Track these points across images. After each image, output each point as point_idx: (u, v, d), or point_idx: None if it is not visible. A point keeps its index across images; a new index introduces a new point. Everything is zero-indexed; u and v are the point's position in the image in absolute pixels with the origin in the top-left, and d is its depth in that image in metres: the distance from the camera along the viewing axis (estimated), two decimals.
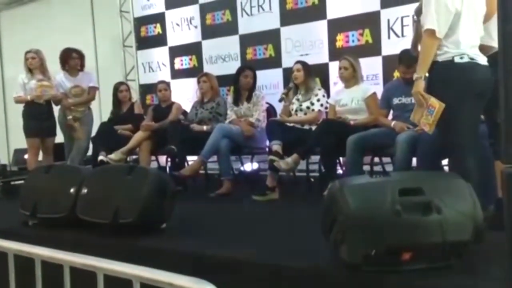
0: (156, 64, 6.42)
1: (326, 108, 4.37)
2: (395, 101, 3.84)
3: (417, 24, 2.78)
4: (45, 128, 5.11)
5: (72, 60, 5.30)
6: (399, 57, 3.80)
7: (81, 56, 5.37)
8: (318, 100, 4.34)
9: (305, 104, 4.37)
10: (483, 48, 2.69)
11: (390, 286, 1.98)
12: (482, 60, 2.63)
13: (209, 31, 5.86)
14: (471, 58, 2.59)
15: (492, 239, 1.97)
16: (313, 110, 4.33)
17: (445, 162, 3.32)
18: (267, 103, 4.84)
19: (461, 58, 2.58)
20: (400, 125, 3.67)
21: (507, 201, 1.36)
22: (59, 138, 5.39)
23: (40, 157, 5.24)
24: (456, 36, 2.60)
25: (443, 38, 2.59)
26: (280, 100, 4.48)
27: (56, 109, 5.31)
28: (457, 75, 2.59)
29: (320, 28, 4.98)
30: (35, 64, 5.09)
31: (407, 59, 3.69)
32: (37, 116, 5.05)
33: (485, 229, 2.05)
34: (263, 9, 5.37)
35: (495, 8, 2.69)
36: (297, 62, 4.50)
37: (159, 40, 6.34)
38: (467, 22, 2.61)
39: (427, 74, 2.71)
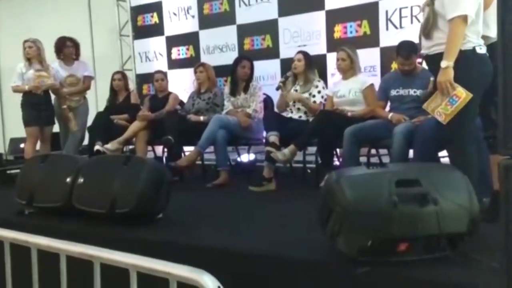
0: (153, 54, 6.38)
1: (326, 100, 4.35)
2: (393, 92, 3.83)
3: (431, 9, 2.66)
4: (44, 117, 5.09)
5: (66, 48, 5.27)
6: (397, 49, 3.78)
7: (76, 45, 5.34)
8: (319, 92, 4.32)
9: (303, 96, 4.36)
10: None
11: (385, 277, 1.99)
12: None
13: (206, 21, 5.83)
14: (485, 50, 2.60)
15: (487, 231, 1.98)
16: (314, 102, 4.31)
17: (441, 154, 3.33)
18: (264, 94, 4.83)
19: (481, 49, 2.59)
20: (397, 117, 3.67)
21: (504, 193, 1.35)
22: (56, 128, 5.37)
23: (38, 146, 5.23)
24: (477, 26, 2.59)
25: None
26: (277, 88, 4.45)
27: (53, 98, 5.29)
28: (477, 66, 2.58)
29: (318, 18, 4.96)
30: (32, 53, 5.06)
31: (405, 50, 3.68)
32: (36, 106, 5.04)
33: (480, 221, 2.06)
34: None
35: None
36: (299, 52, 4.47)
37: (156, 30, 6.30)
38: (481, 14, 2.61)
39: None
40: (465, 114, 2.57)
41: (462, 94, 2.54)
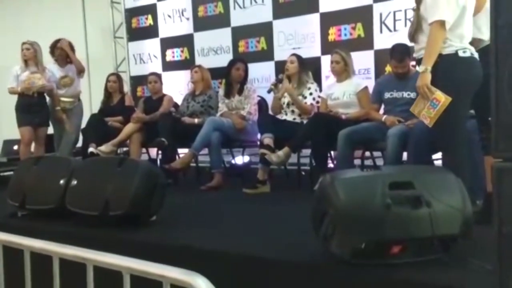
0: (147, 56, 6.38)
1: (318, 102, 4.36)
2: (387, 95, 3.85)
3: (416, 13, 2.71)
4: (37, 118, 5.08)
5: (57, 50, 5.26)
6: (391, 51, 3.80)
7: (69, 46, 5.33)
8: (311, 94, 4.33)
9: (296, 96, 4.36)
10: (472, 42, 2.71)
11: (379, 280, 1.99)
12: (477, 55, 2.64)
13: (201, 23, 5.83)
14: (471, 53, 2.61)
15: (480, 233, 1.99)
16: (305, 103, 4.32)
17: (435, 156, 3.34)
18: (258, 96, 4.83)
19: (464, 52, 2.60)
20: (391, 119, 3.68)
21: (497, 196, 1.37)
22: (51, 129, 5.35)
23: (33, 148, 5.21)
24: (461, 30, 2.60)
25: (448, 31, 2.57)
26: (269, 91, 4.46)
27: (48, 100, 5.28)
28: (461, 69, 2.59)
29: (312, 21, 4.97)
30: (29, 55, 5.06)
31: (399, 53, 3.70)
32: (29, 108, 5.02)
33: (473, 223, 2.07)
34: (255, 2, 5.35)
35: (484, 1, 2.70)
36: (293, 54, 4.48)
37: (151, 32, 6.29)
38: (469, 17, 2.63)
39: (418, 68, 2.73)
40: (452, 117, 2.59)
41: (442, 98, 2.56)
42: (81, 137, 5.16)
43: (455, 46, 2.60)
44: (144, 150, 5.24)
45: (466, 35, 2.62)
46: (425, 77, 2.60)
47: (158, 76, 5.42)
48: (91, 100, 6.42)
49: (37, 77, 5.03)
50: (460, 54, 2.59)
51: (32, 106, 5.02)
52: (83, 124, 5.21)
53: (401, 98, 3.75)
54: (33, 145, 5.18)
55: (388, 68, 4.25)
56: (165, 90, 5.38)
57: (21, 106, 5.04)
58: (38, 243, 1.87)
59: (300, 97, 4.33)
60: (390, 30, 4.53)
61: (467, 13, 2.61)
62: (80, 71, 5.39)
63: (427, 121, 2.64)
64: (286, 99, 4.42)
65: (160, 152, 5.00)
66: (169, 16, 6.10)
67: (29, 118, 5.01)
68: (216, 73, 5.31)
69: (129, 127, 4.87)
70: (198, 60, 5.71)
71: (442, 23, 2.54)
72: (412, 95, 3.65)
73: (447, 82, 2.59)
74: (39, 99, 5.11)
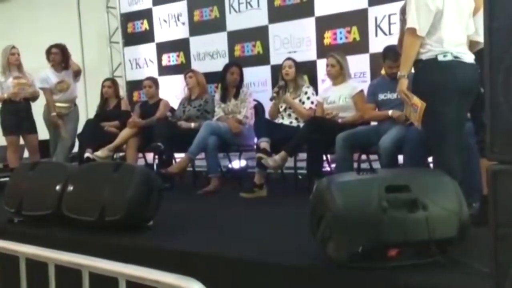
0: (143, 61, 6.37)
1: (316, 105, 4.36)
2: (381, 97, 3.85)
3: (402, 23, 2.78)
4: (24, 125, 5.09)
5: (51, 55, 5.26)
6: (383, 53, 3.82)
7: (63, 51, 5.31)
8: (308, 98, 4.34)
9: (295, 101, 4.35)
10: (470, 44, 2.71)
11: (376, 283, 1.99)
12: (468, 57, 2.63)
13: (196, 28, 5.83)
14: (455, 56, 2.60)
15: (477, 236, 1.99)
16: (304, 108, 4.32)
17: (431, 159, 3.35)
18: (254, 100, 4.83)
19: (445, 56, 2.60)
20: (397, 113, 3.62)
21: (492, 198, 1.37)
22: (46, 135, 5.34)
23: (26, 154, 5.19)
24: (439, 34, 2.61)
25: (426, 37, 2.60)
26: (271, 99, 4.44)
27: (34, 106, 5.27)
28: (440, 73, 2.61)
29: (308, 25, 4.98)
30: (19, 60, 5.09)
31: (393, 53, 3.70)
32: (15, 113, 5.05)
33: (470, 226, 2.07)
34: (251, 6, 5.36)
35: (481, 3, 2.72)
36: (288, 58, 4.49)
37: (146, 37, 6.29)
38: (450, 20, 2.62)
39: (413, 70, 2.74)
40: (437, 121, 2.60)
41: (418, 103, 2.60)
42: (77, 142, 5.15)
43: (435, 51, 2.61)
44: (140, 154, 5.23)
45: (446, 38, 2.61)
46: (402, 83, 2.68)
47: (154, 80, 5.41)
48: (87, 105, 6.41)
49: (27, 84, 5.08)
50: (440, 58, 2.60)
51: (19, 112, 5.05)
52: (79, 129, 5.20)
53: (395, 99, 3.74)
54: (26, 153, 5.19)
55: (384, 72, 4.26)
56: (161, 95, 5.37)
57: (7, 111, 5.07)
58: (34, 249, 1.86)
59: (298, 101, 4.34)
60: (385, 34, 4.54)
61: (446, 16, 2.61)
62: (77, 73, 5.38)
63: (416, 124, 2.69)
64: (283, 104, 4.42)
65: (156, 156, 5.00)
66: (165, 21, 6.11)
67: (14, 124, 5.03)
68: (212, 77, 5.32)
69: (125, 132, 4.87)
70: (194, 65, 5.71)
71: (412, 31, 2.59)
72: None
73: (424, 87, 2.64)
74: (26, 105, 5.13)
